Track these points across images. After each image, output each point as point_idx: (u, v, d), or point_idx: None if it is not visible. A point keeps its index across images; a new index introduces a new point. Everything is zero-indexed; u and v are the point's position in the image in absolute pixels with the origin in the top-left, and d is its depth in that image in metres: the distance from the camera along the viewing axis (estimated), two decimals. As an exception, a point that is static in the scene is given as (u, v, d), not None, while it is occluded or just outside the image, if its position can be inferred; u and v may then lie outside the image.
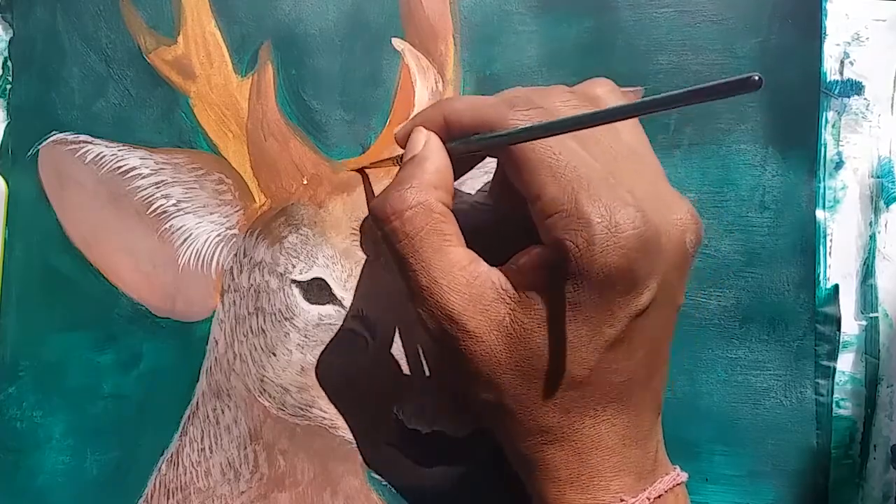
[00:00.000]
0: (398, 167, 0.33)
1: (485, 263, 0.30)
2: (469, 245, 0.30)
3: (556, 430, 0.29)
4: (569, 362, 0.29)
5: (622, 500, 0.29)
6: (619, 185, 0.28)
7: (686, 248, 0.30)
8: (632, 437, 0.30)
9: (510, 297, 0.29)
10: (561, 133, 0.27)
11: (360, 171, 0.38)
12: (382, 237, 0.31)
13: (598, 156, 0.29)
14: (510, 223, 0.33)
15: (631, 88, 0.38)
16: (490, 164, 0.37)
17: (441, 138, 0.32)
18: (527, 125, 0.28)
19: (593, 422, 0.29)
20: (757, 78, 0.20)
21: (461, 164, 0.33)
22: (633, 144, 0.31)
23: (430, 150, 0.31)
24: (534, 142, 0.28)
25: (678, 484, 0.31)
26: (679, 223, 0.29)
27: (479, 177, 0.37)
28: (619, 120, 0.26)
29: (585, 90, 0.32)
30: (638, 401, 0.30)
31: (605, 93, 0.32)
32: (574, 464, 0.30)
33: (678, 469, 0.32)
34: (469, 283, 0.29)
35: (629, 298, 0.28)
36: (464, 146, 0.31)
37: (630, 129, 0.31)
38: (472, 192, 0.37)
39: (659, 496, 0.30)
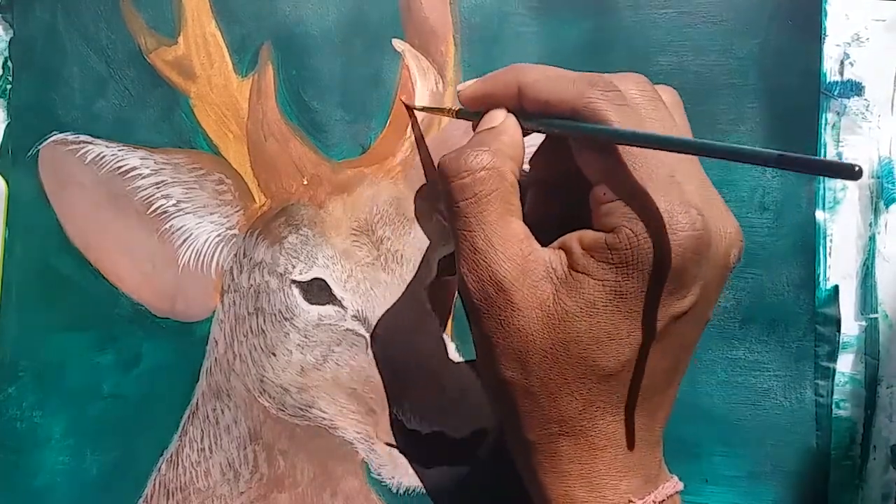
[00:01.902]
0: (453, 118, 0.32)
1: (537, 242, 0.30)
2: None
3: (575, 422, 0.29)
4: (603, 353, 0.28)
5: (630, 501, 0.29)
6: (683, 185, 0.28)
7: (729, 263, 0.30)
8: (645, 440, 0.30)
9: (558, 278, 0.29)
10: (647, 146, 0.27)
11: (410, 109, 0.38)
12: (446, 193, 0.30)
13: (666, 153, 0.29)
14: (551, 199, 0.33)
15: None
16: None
17: (510, 105, 0.32)
18: (608, 115, 0.28)
19: (614, 419, 0.29)
20: (857, 169, 0.21)
21: None
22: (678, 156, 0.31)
23: (508, 125, 0.31)
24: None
25: (677, 492, 0.31)
26: (728, 237, 0.29)
27: None
28: (717, 157, 0.26)
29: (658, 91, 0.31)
30: (656, 405, 0.30)
31: (672, 104, 0.31)
32: (586, 459, 0.29)
33: (676, 477, 0.32)
34: (524, 256, 0.29)
35: (674, 299, 0.28)
36: (544, 128, 0.31)
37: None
38: None
39: (662, 501, 0.30)
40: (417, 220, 0.38)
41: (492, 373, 0.30)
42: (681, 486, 0.31)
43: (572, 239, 0.29)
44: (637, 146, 0.28)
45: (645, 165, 0.28)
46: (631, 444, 0.30)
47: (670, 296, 0.28)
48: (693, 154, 0.26)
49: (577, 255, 0.29)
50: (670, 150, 0.27)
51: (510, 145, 0.31)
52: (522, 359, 0.29)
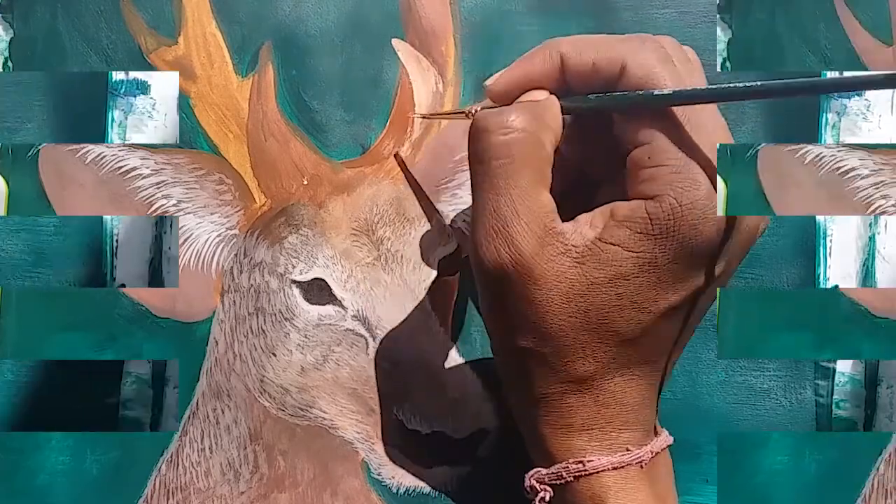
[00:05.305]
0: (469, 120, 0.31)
1: (559, 218, 0.29)
2: None
3: (586, 382, 0.29)
4: (624, 321, 0.28)
5: (628, 450, 0.30)
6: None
7: (757, 234, 0.30)
8: (649, 398, 0.31)
9: (578, 252, 0.28)
10: (709, 101, 0.27)
11: (421, 116, 0.38)
12: (480, 149, 0.29)
13: (708, 119, 0.29)
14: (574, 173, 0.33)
15: None
16: None
17: (549, 85, 0.30)
18: (660, 70, 0.28)
19: (623, 379, 0.30)
20: None
21: None
22: (724, 126, 0.30)
23: (551, 102, 0.30)
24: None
25: (668, 445, 0.32)
26: None
27: None
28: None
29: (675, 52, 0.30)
30: (664, 366, 0.31)
31: (695, 62, 0.31)
32: (590, 413, 0.30)
33: (667, 432, 0.32)
34: (546, 230, 0.28)
35: (703, 270, 0.28)
36: (585, 105, 0.30)
37: (716, 114, 0.31)
38: None
39: (657, 453, 0.31)
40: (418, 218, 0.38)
41: (504, 341, 0.30)
42: (671, 440, 0.32)
43: (602, 212, 0.29)
44: (697, 103, 0.27)
45: (692, 131, 0.27)
46: (635, 402, 0.30)
47: (701, 268, 0.28)
48: (770, 97, 0.26)
49: (609, 227, 0.28)
50: (736, 100, 0.27)
51: (552, 118, 0.30)
52: (538, 329, 0.29)
